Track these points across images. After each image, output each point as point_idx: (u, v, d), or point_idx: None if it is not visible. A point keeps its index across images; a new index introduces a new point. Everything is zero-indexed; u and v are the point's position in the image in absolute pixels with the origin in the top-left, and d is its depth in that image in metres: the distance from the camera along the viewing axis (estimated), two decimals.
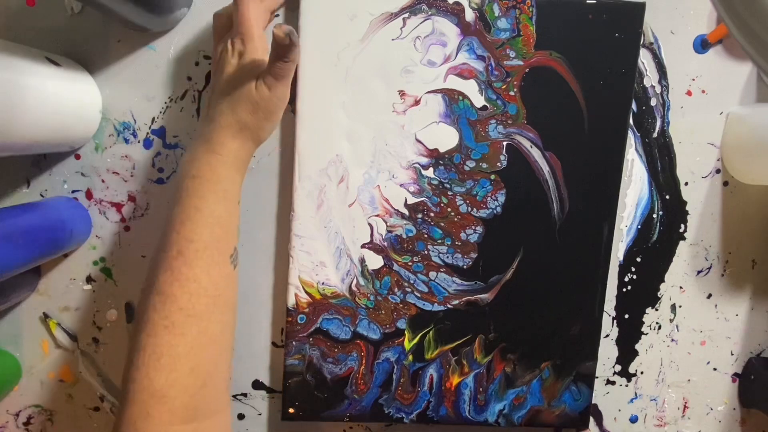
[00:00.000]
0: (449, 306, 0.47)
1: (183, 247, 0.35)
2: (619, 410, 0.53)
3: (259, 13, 0.39)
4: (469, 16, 0.44)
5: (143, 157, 0.47)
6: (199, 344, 0.35)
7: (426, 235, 0.47)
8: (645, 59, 0.48)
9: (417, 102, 0.45)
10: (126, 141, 0.46)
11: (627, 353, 0.52)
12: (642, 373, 0.53)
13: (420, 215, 0.46)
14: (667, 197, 0.50)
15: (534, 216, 0.47)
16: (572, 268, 0.48)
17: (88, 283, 0.48)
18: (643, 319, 0.52)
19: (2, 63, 0.35)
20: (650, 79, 0.48)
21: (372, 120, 0.45)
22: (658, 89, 0.49)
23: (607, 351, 0.52)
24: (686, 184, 0.50)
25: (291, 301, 0.47)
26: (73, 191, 0.47)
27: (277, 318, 0.49)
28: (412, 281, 0.47)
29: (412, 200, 0.46)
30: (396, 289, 0.47)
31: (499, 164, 0.46)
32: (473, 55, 0.44)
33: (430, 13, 0.44)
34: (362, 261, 0.47)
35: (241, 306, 0.49)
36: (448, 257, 0.47)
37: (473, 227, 0.47)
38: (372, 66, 0.44)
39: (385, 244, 0.46)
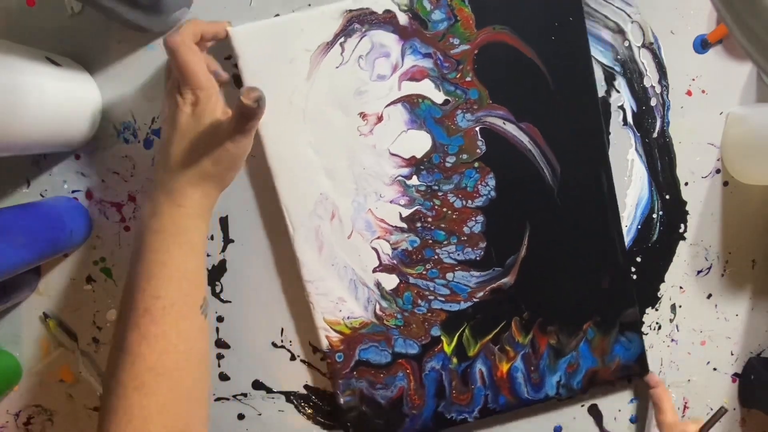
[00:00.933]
0: (475, 300, 0.47)
1: (150, 305, 0.34)
2: (619, 410, 0.53)
3: (197, 54, 0.37)
4: (403, 19, 0.44)
5: (143, 157, 0.47)
6: (172, 401, 0.34)
7: (431, 241, 0.46)
8: (645, 59, 0.48)
9: (380, 118, 0.45)
10: (126, 141, 0.46)
11: None
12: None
13: (418, 224, 0.46)
14: (667, 197, 0.50)
15: (529, 188, 0.46)
16: (583, 226, 0.47)
17: (88, 283, 0.48)
18: (643, 319, 0.52)
19: (2, 63, 0.35)
20: (650, 79, 0.48)
21: (342, 149, 0.45)
22: (658, 89, 0.49)
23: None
24: (686, 184, 0.50)
25: (324, 344, 0.47)
26: (73, 191, 0.47)
27: (277, 318, 0.49)
28: (432, 288, 0.47)
29: (406, 212, 0.46)
30: (419, 301, 0.47)
31: (478, 150, 0.46)
32: (419, 56, 0.44)
33: (364, 30, 0.43)
34: (378, 285, 0.47)
35: (242, 306, 0.49)
36: (458, 254, 0.47)
37: (473, 218, 0.46)
38: (326, 99, 0.44)
39: (395, 261, 0.47)
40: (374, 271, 0.46)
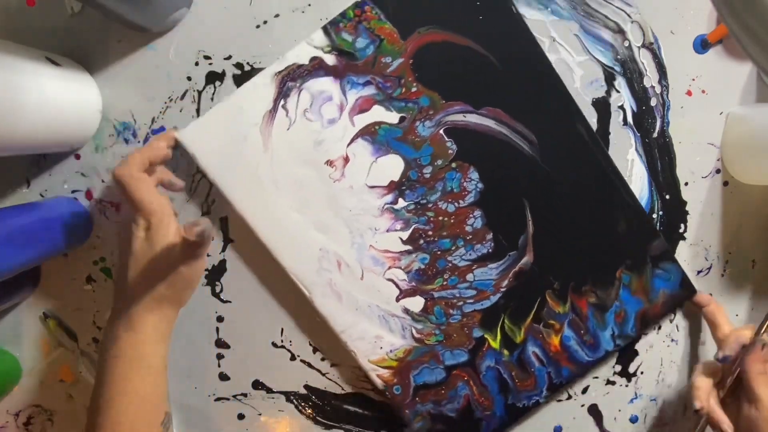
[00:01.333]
0: (503, 289, 0.47)
1: (112, 430, 0.36)
2: (619, 410, 0.53)
3: (144, 182, 0.39)
4: (331, 60, 0.44)
5: None
6: None
7: (439, 252, 0.47)
8: (645, 59, 0.48)
9: (346, 159, 0.45)
10: (126, 141, 0.46)
11: (627, 353, 0.52)
12: (642, 373, 0.53)
13: (421, 241, 0.46)
14: (667, 197, 0.50)
15: (513, 166, 0.46)
16: (580, 182, 0.47)
17: (88, 283, 0.48)
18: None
19: (2, 63, 0.35)
20: (650, 79, 0.48)
21: (323, 202, 0.45)
22: (658, 89, 0.49)
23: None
24: (686, 184, 0.50)
25: (378, 383, 0.48)
26: (73, 191, 0.47)
27: (277, 318, 0.49)
28: (458, 295, 0.47)
29: (405, 235, 0.46)
30: (450, 311, 0.47)
31: (450, 151, 0.46)
32: (359, 87, 0.44)
33: (298, 85, 0.44)
34: (406, 311, 0.47)
35: (242, 306, 0.49)
36: (470, 254, 0.47)
37: (471, 215, 0.46)
38: (289, 161, 0.45)
39: (413, 284, 0.47)
40: (398, 300, 0.47)
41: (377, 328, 0.47)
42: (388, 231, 0.46)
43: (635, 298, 0.48)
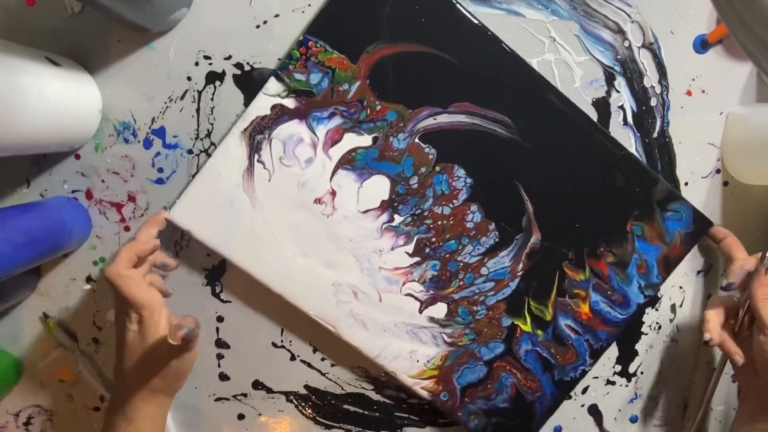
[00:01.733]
0: (520, 273, 0.48)
1: None
2: (619, 410, 0.53)
3: (134, 279, 0.39)
4: (291, 103, 0.44)
5: (143, 157, 0.47)
6: None
7: (447, 255, 0.47)
8: (645, 59, 0.48)
9: (333, 193, 0.45)
10: (126, 141, 0.46)
11: (627, 353, 0.52)
12: (642, 373, 0.53)
13: (427, 249, 0.47)
14: None
15: (495, 153, 0.46)
16: (566, 149, 0.47)
17: (88, 283, 0.48)
18: (643, 319, 0.52)
19: (2, 63, 0.35)
20: (650, 79, 0.48)
21: (323, 239, 0.46)
22: (658, 89, 0.49)
23: (608, 351, 0.52)
24: (686, 184, 0.50)
25: (425, 395, 0.49)
26: (73, 191, 0.47)
27: (276, 318, 0.49)
28: (477, 291, 0.48)
29: (410, 248, 0.47)
30: (475, 308, 0.48)
31: (431, 156, 0.46)
32: (325, 121, 0.45)
33: (267, 135, 0.44)
34: (432, 319, 0.48)
35: (242, 306, 0.49)
36: (478, 249, 0.47)
37: (468, 212, 0.47)
38: (281, 210, 0.45)
39: (431, 292, 0.47)
40: (421, 311, 0.47)
41: (409, 343, 0.48)
42: (392, 249, 0.46)
43: (653, 246, 0.48)
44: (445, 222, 0.47)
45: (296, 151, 0.45)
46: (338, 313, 0.47)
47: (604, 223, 0.48)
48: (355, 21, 0.43)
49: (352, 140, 0.45)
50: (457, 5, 0.44)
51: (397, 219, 0.46)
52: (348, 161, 0.45)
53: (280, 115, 0.44)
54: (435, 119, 0.45)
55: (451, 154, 0.46)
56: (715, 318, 0.45)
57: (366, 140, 0.45)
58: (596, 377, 0.52)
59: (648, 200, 0.48)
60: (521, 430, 0.50)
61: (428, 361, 0.48)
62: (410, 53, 0.44)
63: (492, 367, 0.49)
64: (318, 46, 0.44)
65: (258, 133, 0.44)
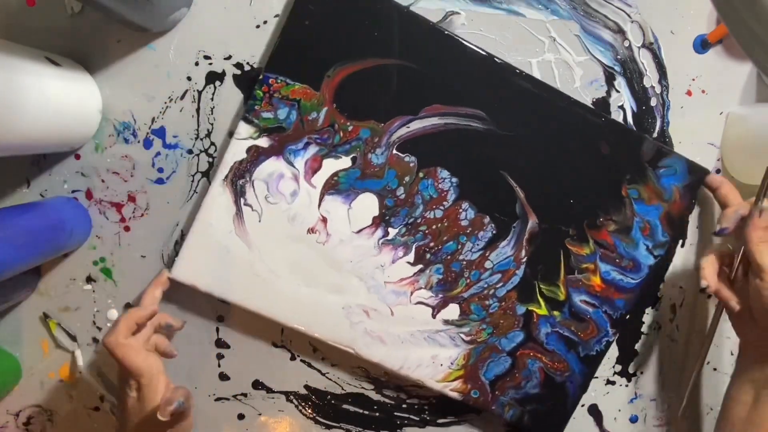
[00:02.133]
0: (524, 259, 0.48)
1: None
2: (619, 410, 0.53)
3: (132, 348, 0.40)
4: (264, 143, 0.44)
5: (143, 157, 0.47)
6: None
7: (448, 257, 0.47)
8: (645, 59, 0.48)
9: (324, 220, 0.46)
10: (126, 141, 0.46)
11: (627, 353, 0.52)
12: (642, 373, 0.53)
13: (428, 255, 0.47)
14: None
15: (475, 147, 0.46)
16: (543, 128, 0.46)
17: (88, 283, 0.48)
18: (643, 319, 0.52)
19: (2, 63, 0.35)
20: (650, 79, 0.48)
21: (323, 266, 0.46)
22: (658, 89, 0.49)
23: (608, 351, 0.52)
24: None
25: (455, 396, 0.49)
26: (73, 191, 0.47)
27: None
28: (486, 285, 0.48)
29: (411, 257, 0.47)
30: (487, 302, 0.48)
31: (411, 164, 0.46)
32: (301, 152, 0.45)
33: (248, 178, 0.45)
34: (446, 322, 0.48)
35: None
36: (478, 244, 0.47)
37: (460, 210, 0.47)
38: (277, 247, 0.46)
39: (440, 296, 0.47)
40: (434, 316, 0.48)
41: (429, 349, 0.48)
42: (394, 262, 0.47)
43: (652, 206, 0.48)
44: (439, 225, 0.47)
45: (279, 187, 0.45)
46: (354, 334, 0.47)
47: (598, 193, 0.48)
48: (310, 49, 0.44)
49: (332, 165, 0.45)
50: (403, 7, 0.44)
51: (392, 232, 0.46)
52: (332, 186, 0.45)
53: (256, 156, 0.45)
54: (408, 127, 0.45)
55: (431, 157, 0.46)
56: (709, 265, 0.45)
57: (345, 162, 0.45)
58: (596, 377, 0.52)
59: (637, 161, 0.47)
60: (557, 412, 0.50)
61: (451, 363, 0.48)
62: (370, 68, 0.44)
63: (516, 357, 0.49)
64: (279, 81, 0.44)
65: (239, 177, 0.45)
